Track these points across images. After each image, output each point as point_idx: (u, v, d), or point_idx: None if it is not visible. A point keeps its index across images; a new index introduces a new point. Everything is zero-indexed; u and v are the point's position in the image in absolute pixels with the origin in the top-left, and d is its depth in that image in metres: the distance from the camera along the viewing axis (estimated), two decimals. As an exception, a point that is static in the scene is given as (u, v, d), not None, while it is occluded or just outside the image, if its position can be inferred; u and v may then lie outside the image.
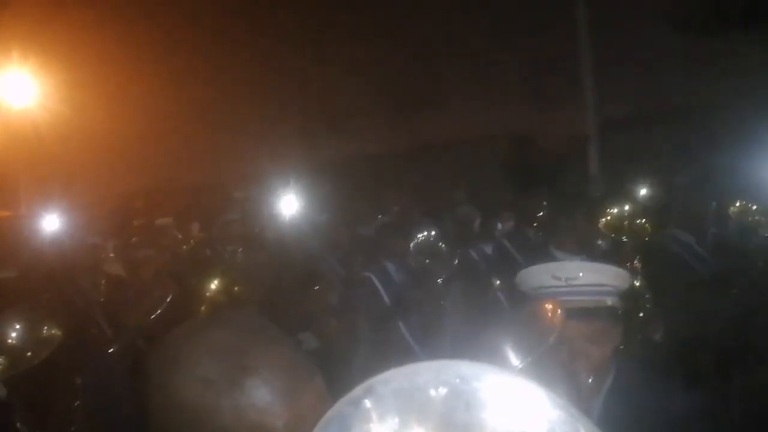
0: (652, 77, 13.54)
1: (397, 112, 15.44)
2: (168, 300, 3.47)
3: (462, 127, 15.53)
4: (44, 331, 2.46)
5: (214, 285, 2.96)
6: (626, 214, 4.08)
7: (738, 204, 4.79)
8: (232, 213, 6.00)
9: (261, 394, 0.99)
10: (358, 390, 0.76)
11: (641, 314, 3.36)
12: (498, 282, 4.78)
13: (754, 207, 4.75)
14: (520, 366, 1.60)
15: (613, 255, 3.47)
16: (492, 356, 1.61)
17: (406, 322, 4.19)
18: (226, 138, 14.37)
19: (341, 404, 0.76)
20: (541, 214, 5.40)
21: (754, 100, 10.51)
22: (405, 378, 0.76)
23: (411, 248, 4.35)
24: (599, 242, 3.60)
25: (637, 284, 3.23)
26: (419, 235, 4.40)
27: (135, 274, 4.22)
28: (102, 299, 3.97)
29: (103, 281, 4.12)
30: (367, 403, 0.74)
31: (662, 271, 3.54)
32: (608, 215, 4.03)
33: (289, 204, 7.87)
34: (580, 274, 1.83)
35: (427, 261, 4.25)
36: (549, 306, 1.74)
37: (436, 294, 4.13)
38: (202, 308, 2.86)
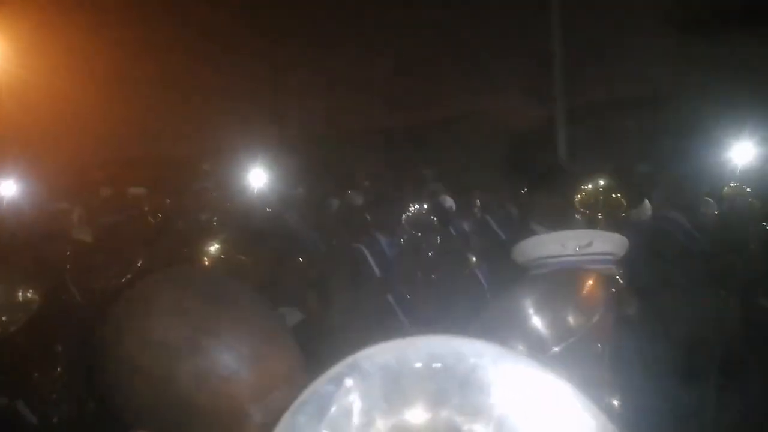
0: (625, 64, 13.67)
1: (371, 91, 15.31)
2: (138, 265, 3.33)
3: (435, 108, 15.49)
4: (20, 295, 2.30)
5: (213, 252, 2.82)
6: (601, 189, 4.04)
7: (732, 185, 4.79)
8: (204, 181, 5.83)
9: (224, 360, 0.89)
10: (339, 366, 0.69)
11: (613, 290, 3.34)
12: (474, 259, 4.73)
13: (748, 189, 4.75)
14: (558, 348, 1.46)
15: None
16: (508, 336, 1.52)
17: (396, 295, 4.10)
18: (193, 111, 14.06)
19: (320, 382, 0.69)
20: (524, 191, 5.34)
21: (730, 89, 10.65)
22: (392, 354, 0.69)
23: (403, 220, 4.25)
24: (577, 217, 3.55)
25: None
26: (411, 208, 4.32)
27: (104, 240, 4.06)
28: (68, 266, 3.79)
29: (70, 247, 3.95)
30: (349, 381, 0.67)
31: (645, 247, 3.52)
32: (582, 191, 3.99)
33: (257, 177, 7.74)
34: (592, 242, 1.74)
35: (419, 234, 4.15)
36: (592, 279, 1.60)
37: (427, 267, 4.05)
38: None
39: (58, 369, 2.37)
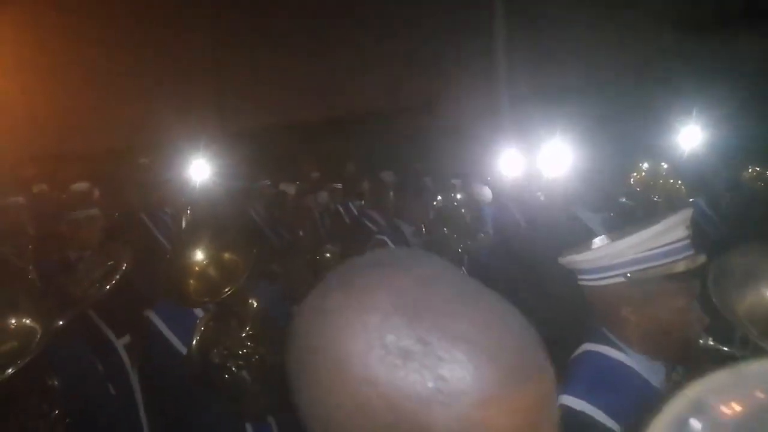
0: (568, 51, 13.87)
1: (316, 83, 15.01)
2: (123, 268, 3.00)
3: (379, 98, 15.36)
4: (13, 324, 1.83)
5: (200, 253, 2.51)
6: (661, 172, 3.99)
7: (750, 170, 4.80)
8: (168, 174, 5.45)
9: (479, 377, 0.65)
10: (677, 405, 0.55)
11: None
12: (461, 246, 4.48)
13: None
14: None
15: (635, 213, 3.31)
16: None
17: None
18: (130, 102, 13.33)
19: (658, 425, 0.55)
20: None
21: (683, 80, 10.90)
22: (749, 385, 0.53)
23: (430, 214, 3.95)
24: (623, 200, 3.38)
25: None
26: (437, 200, 4.02)
27: (76, 238, 3.66)
28: (31, 266, 3.39)
29: (30, 246, 3.55)
30: (696, 423, 0.54)
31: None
32: (641, 170, 3.92)
33: (200, 170, 7.37)
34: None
35: (446, 230, 3.84)
36: None
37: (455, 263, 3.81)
38: (190, 282, 2.42)
39: (56, 410, 1.93)
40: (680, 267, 1.47)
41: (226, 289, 2.43)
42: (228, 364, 2.48)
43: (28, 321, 1.86)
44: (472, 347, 0.66)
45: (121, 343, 3.44)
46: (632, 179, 4.06)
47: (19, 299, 1.91)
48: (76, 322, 3.02)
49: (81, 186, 6.16)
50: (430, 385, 0.65)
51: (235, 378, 2.53)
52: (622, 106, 12.06)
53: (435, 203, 4.13)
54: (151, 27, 13.50)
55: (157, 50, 13.70)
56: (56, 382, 1.96)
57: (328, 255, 3.37)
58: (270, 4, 14.59)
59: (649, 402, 0.66)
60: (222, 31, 14.79)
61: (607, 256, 1.53)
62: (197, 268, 2.60)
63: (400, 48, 14.84)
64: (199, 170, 7.38)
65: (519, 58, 13.86)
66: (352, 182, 8.54)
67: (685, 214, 1.55)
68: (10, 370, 1.69)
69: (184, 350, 2.60)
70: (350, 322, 0.68)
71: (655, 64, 12.45)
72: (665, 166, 4.15)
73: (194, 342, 2.44)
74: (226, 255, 2.64)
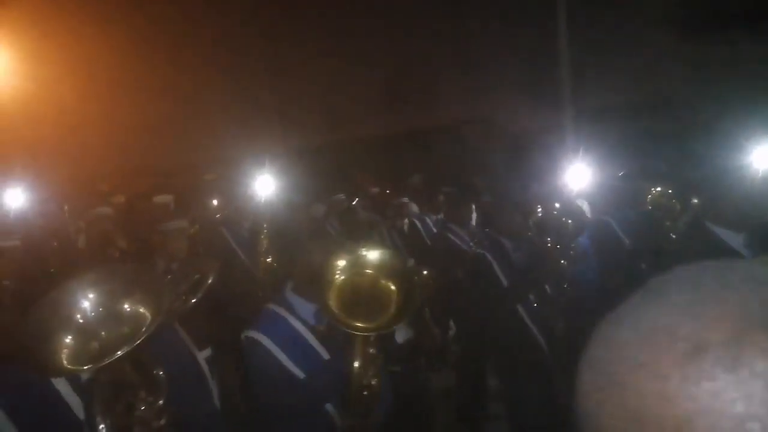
0: (630, 67, 13.47)
1: (377, 97, 15.02)
2: (209, 282, 2.92)
3: (440, 112, 15.24)
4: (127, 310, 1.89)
5: (341, 267, 2.39)
6: None
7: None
8: (252, 188, 5.40)
9: None
10: None
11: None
12: (565, 260, 4.11)
13: None
14: None
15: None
16: None
17: (525, 306, 3.66)
18: (198, 120, 13.62)
19: None
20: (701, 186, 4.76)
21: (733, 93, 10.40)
22: None
23: (531, 224, 3.78)
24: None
25: None
26: (539, 210, 3.84)
27: (165, 249, 3.63)
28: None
29: (117, 254, 3.54)
30: None
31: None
32: None
33: (265, 186, 7.34)
34: None
35: (548, 240, 3.67)
36: None
37: (560, 275, 3.61)
38: (330, 301, 2.31)
39: (161, 401, 1.94)
40: None
41: (388, 321, 2.33)
42: (373, 383, 2.37)
43: (140, 309, 1.93)
44: None
45: (202, 356, 3.38)
46: None
47: (134, 287, 1.97)
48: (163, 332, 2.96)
49: (163, 198, 6.17)
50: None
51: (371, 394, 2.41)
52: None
53: (536, 214, 3.91)
54: (218, 47, 13.80)
55: (223, 70, 13.98)
56: (161, 373, 1.99)
57: (425, 272, 3.19)
58: (333, 21, 14.72)
59: None
60: (284, 49, 14.98)
61: None
62: (335, 280, 2.45)
63: (465, 61, 14.71)
64: (267, 185, 7.35)
65: (585, 71, 13.51)
66: (418, 195, 8.37)
67: None
68: (119, 353, 1.78)
69: (296, 370, 2.51)
70: (724, 375, 0.51)
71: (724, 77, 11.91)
72: None
73: (355, 364, 2.33)
74: (367, 272, 2.50)
